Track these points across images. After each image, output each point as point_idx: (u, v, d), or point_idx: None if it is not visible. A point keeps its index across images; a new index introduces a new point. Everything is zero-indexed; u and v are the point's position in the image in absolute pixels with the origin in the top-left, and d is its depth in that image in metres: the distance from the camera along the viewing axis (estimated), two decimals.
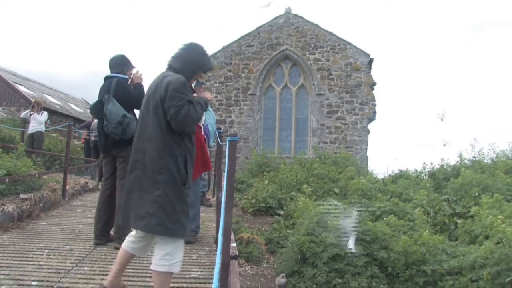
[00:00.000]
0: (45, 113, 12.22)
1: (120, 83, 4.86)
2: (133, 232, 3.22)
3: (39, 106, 12.10)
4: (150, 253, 4.53)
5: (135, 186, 3.06)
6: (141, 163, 3.06)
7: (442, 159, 14.02)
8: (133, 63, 5.15)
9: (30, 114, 11.95)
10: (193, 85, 3.46)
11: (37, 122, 11.78)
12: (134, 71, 5.04)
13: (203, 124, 5.22)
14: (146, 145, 3.05)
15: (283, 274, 5.33)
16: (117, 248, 4.83)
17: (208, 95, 3.54)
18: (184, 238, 3.07)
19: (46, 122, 12.39)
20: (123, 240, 4.69)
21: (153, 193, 2.96)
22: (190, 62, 3.23)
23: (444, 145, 16.98)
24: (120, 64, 5.02)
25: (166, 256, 2.97)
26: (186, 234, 3.07)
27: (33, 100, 14.91)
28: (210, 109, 5.73)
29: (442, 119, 13.79)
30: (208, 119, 5.51)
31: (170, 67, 3.28)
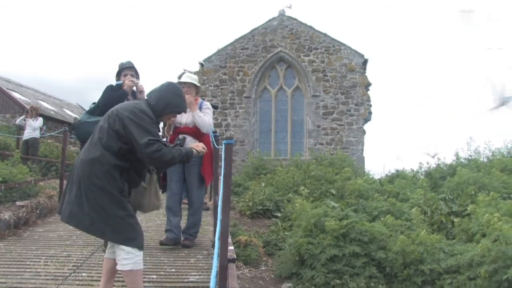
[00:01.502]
0: (40, 119, 12.16)
1: (106, 89, 4.87)
2: None
3: (34, 112, 12.06)
4: (151, 258, 4.53)
5: (75, 188, 3.09)
6: (84, 168, 3.09)
7: (439, 158, 14.07)
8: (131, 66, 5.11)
9: (25, 120, 11.93)
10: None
11: (32, 128, 11.73)
12: (127, 80, 4.95)
13: None
14: (89, 151, 3.14)
15: (290, 286, 5.32)
16: None
17: (199, 147, 3.58)
18: (128, 245, 3.08)
19: (42, 128, 12.35)
20: None
21: (90, 198, 3.02)
22: (162, 101, 3.33)
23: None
24: (117, 72, 5.10)
25: (128, 255, 3.07)
26: (129, 242, 3.08)
27: (28, 106, 14.84)
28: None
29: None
30: None
31: (146, 100, 3.40)
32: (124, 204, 3.11)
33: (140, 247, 3.13)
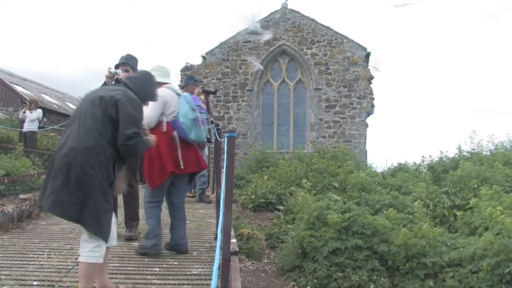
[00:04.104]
0: (39, 110, 12.12)
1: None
2: None
3: (33, 104, 12.06)
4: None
5: (61, 176, 3.07)
6: (75, 156, 3.08)
7: (441, 152, 14.06)
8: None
9: (24, 113, 11.98)
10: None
11: (30, 120, 11.77)
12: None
13: (174, 117, 4.62)
14: (82, 139, 3.11)
15: (294, 284, 5.31)
16: (130, 238, 5.09)
17: (152, 139, 3.71)
18: (103, 238, 3.14)
19: (41, 120, 12.35)
20: (133, 231, 4.87)
21: (80, 188, 3.03)
22: (145, 89, 3.49)
23: (376, 68, 16.82)
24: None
25: (96, 248, 3.13)
26: (105, 236, 3.15)
27: (28, 99, 14.83)
28: (180, 92, 5.02)
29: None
30: (181, 108, 4.69)
31: (126, 85, 3.47)
32: (110, 197, 3.17)
33: (106, 242, 3.19)
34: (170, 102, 4.61)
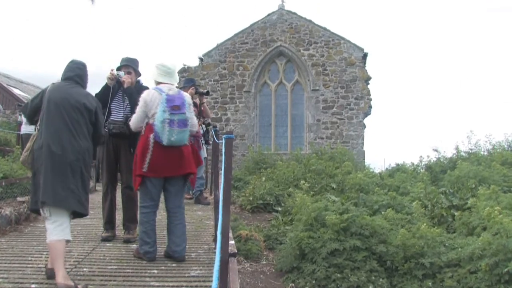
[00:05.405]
0: None
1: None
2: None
3: None
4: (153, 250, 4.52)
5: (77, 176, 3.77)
6: (79, 159, 3.76)
7: (439, 152, 14.09)
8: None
9: (20, 115, 12.02)
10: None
11: (26, 123, 11.78)
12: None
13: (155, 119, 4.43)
14: (80, 140, 3.79)
15: (292, 285, 5.29)
16: (128, 240, 5.09)
17: None
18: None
19: None
20: (131, 233, 4.97)
21: (86, 183, 3.88)
22: (86, 83, 4.23)
23: None
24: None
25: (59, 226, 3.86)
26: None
27: (25, 101, 14.86)
28: (165, 92, 4.45)
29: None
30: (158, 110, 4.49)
31: (80, 85, 4.12)
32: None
33: None
34: (151, 104, 4.37)
